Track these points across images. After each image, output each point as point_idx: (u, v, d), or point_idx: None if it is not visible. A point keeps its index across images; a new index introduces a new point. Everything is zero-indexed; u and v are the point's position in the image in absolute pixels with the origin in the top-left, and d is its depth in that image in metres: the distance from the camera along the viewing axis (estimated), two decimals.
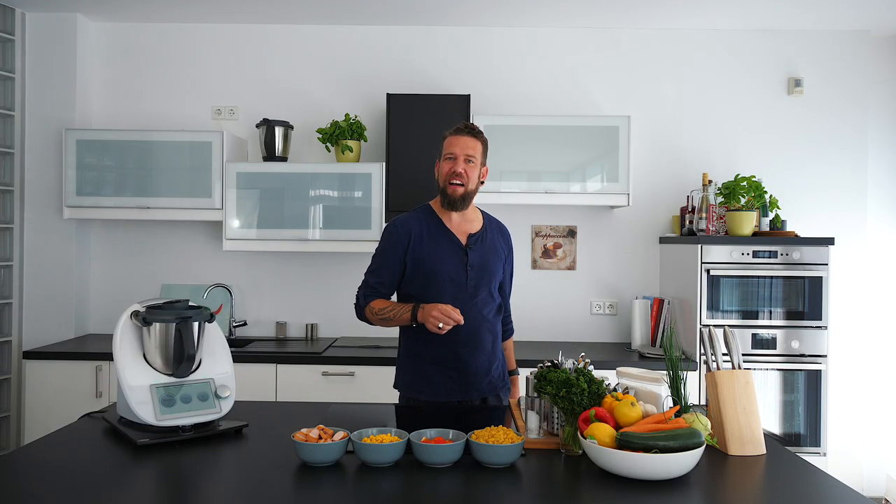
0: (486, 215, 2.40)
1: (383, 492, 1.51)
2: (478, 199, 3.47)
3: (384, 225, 3.47)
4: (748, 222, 3.31)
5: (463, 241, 2.27)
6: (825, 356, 3.29)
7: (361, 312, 2.29)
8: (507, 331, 2.50)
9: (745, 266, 3.29)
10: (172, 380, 1.88)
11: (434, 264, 2.22)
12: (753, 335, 3.28)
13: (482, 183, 2.31)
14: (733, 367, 1.86)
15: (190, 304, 1.97)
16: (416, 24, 3.82)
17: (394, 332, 3.79)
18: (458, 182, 2.21)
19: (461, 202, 2.24)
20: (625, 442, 1.55)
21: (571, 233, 3.86)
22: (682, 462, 1.51)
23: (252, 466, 1.66)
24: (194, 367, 1.93)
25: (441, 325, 2.06)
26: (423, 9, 3.59)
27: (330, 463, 1.62)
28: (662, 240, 3.81)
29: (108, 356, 3.19)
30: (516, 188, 3.48)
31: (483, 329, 2.27)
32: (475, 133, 2.24)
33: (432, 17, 3.70)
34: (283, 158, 3.65)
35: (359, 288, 2.31)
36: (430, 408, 2.22)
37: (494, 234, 2.36)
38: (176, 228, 3.86)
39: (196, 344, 1.91)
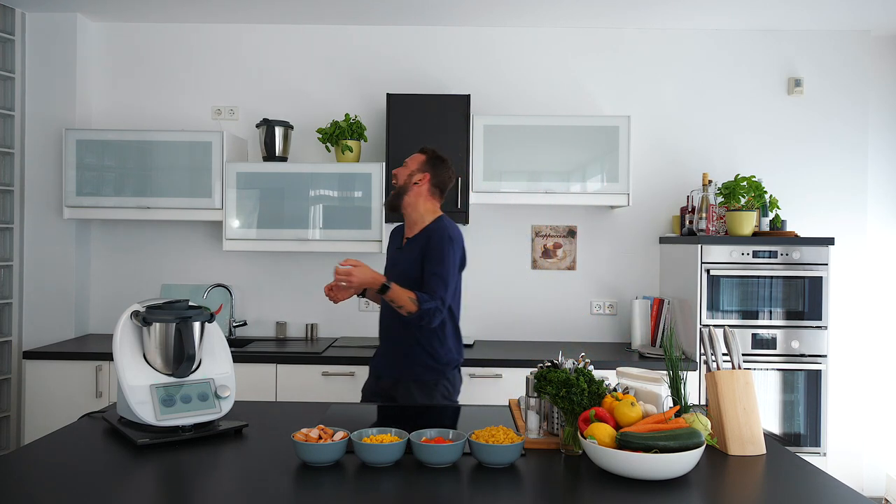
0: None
1: (383, 492, 1.51)
2: (479, 199, 3.52)
3: (384, 225, 3.48)
4: (748, 222, 3.31)
5: None
6: (825, 356, 3.29)
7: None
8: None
9: (745, 266, 3.29)
10: (172, 380, 1.88)
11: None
12: (753, 335, 3.28)
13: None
14: (733, 367, 1.86)
15: (190, 304, 1.97)
16: (416, 24, 3.81)
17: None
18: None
19: None
20: (625, 442, 1.55)
21: (571, 233, 3.85)
22: (682, 462, 1.51)
23: (252, 466, 1.66)
24: (194, 367, 1.93)
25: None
26: (423, 9, 3.59)
27: (330, 463, 1.62)
28: (662, 240, 3.81)
29: (108, 356, 3.19)
30: (516, 188, 3.48)
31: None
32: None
33: (432, 17, 3.70)
34: (283, 158, 3.65)
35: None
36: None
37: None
38: (176, 228, 3.86)
39: (196, 344, 1.91)
